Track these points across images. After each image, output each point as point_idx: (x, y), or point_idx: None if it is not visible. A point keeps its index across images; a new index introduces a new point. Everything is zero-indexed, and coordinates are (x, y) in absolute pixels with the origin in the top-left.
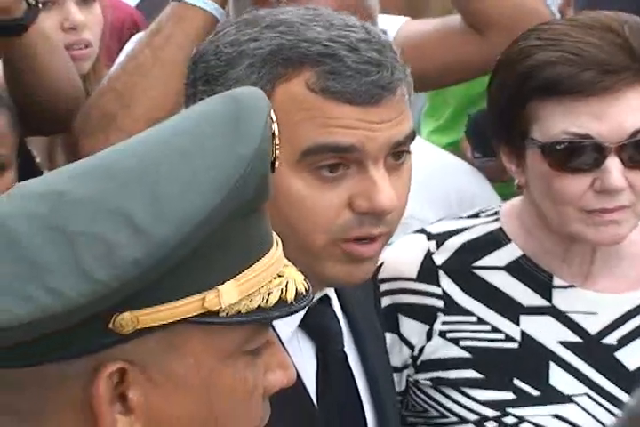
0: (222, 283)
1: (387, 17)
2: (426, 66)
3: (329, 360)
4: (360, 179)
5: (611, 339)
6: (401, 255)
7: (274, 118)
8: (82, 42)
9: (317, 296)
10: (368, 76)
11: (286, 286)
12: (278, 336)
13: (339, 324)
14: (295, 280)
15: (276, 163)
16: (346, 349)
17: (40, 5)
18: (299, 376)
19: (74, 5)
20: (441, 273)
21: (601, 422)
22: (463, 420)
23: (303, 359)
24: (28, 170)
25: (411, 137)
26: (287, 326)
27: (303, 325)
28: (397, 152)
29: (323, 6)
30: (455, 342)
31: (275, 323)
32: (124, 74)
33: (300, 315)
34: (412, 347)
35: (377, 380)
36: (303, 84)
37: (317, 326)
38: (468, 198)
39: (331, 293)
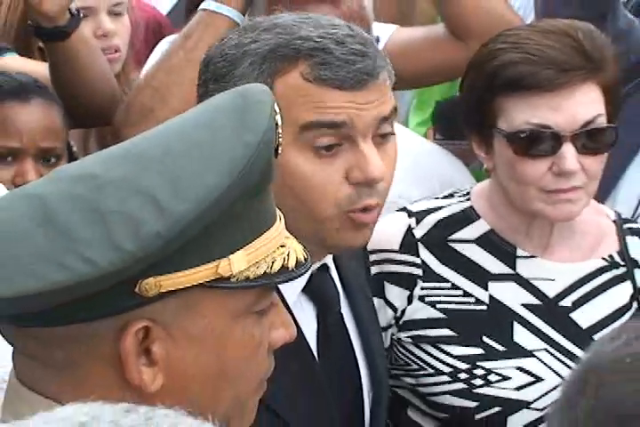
0: (233, 252)
1: (379, 25)
2: (414, 67)
3: (328, 320)
4: (352, 153)
5: (566, 302)
6: (386, 230)
7: (277, 110)
8: (112, 47)
9: (317, 265)
10: (354, 65)
11: (288, 255)
12: (284, 300)
13: (336, 289)
14: (296, 250)
15: (279, 149)
16: (342, 310)
17: (81, 15)
18: (301, 334)
19: (105, 16)
20: (420, 245)
21: (557, 373)
22: (439, 372)
23: (306, 320)
24: (69, 160)
25: (394, 112)
26: (292, 292)
27: (306, 290)
28: (383, 134)
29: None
30: (432, 304)
31: (281, 288)
32: (160, 72)
33: (303, 281)
34: (395, 309)
35: (368, 336)
36: (299, 76)
37: (318, 291)
38: (448, 180)
39: (329, 262)
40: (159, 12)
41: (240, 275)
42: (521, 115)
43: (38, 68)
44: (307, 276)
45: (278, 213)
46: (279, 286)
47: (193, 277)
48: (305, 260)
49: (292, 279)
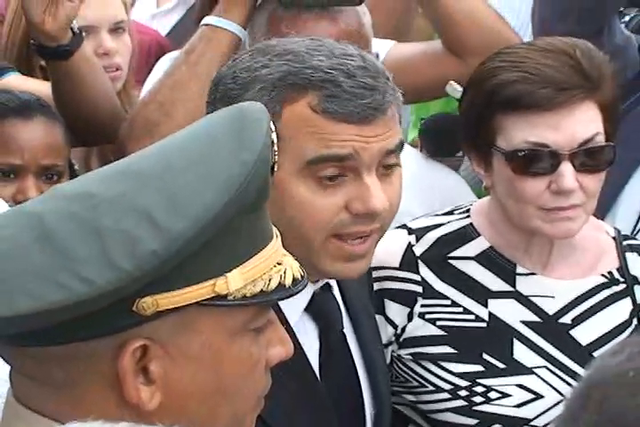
0: (230, 270)
1: (376, 40)
2: (412, 82)
3: (330, 340)
4: (356, 185)
5: (566, 319)
6: (386, 247)
7: (272, 129)
8: (113, 65)
9: (320, 284)
10: (362, 99)
11: (285, 272)
12: (287, 320)
13: (339, 308)
14: (292, 267)
15: (275, 167)
16: (344, 330)
17: (83, 34)
18: (303, 354)
19: (107, 34)
20: (420, 263)
21: (557, 391)
22: (439, 389)
23: (308, 340)
24: (69, 176)
25: (400, 146)
26: (294, 311)
27: (308, 309)
28: (388, 165)
29: (326, 35)
30: (432, 322)
31: (283, 308)
32: (164, 87)
33: (306, 301)
34: (395, 326)
35: (371, 355)
36: (307, 106)
37: (320, 311)
38: (449, 196)
39: (331, 281)
40: (160, 35)
41: (237, 293)
42: (519, 133)
43: (41, 88)
44: (309, 295)
45: (275, 230)
46: (281, 305)
47: (190, 295)
48: (301, 277)
49: (288, 297)
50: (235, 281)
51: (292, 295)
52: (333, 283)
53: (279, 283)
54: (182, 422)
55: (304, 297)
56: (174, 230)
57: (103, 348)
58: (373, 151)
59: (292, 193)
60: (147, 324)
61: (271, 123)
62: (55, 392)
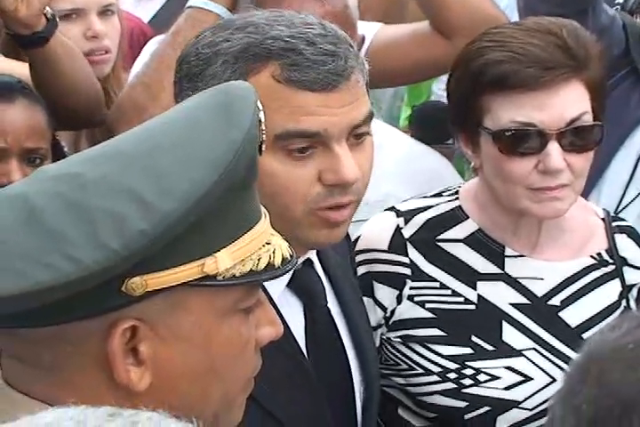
0: (219, 250)
1: (364, 23)
2: (400, 64)
3: (315, 315)
4: (326, 156)
5: (555, 300)
6: (374, 230)
7: (260, 107)
8: (102, 48)
9: (301, 260)
10: (324, 66)
11: (273, 252)
12: (270, 296)
13: (322, 283)
14: (281, 247)
15: (263, 146)
16: (329, 304)
17: (57, 19)
18: (289, 330)
19: (95, 17)
20: (408, 245)
21: (547, 373)
22: (428, 371)
23: (293, 316)
24: (58, 159)
25: (368, 118)
26: (276, 287)
27: (291, 285)
28: (358, 134)
29: (311, 14)
30: (421, 304)
31: (266, 284)
32: (151, 70)
33: (287, 277)
34: (384, 309)
35: (358, 330)
36: (270, 76)
37: (303, 286)
38: (436, 178)
39: (313, 256)
40: (143, 22)
41: (226, 273)
42: (506, 113)
43: (23, 70)
44: (291, 271)
45: (263, 210)
46: (263, 283)
47: (179, 275)
48: (290, 256)
49: (277, 276)
50: (224, 261)
51: (281, 275)
52: (315, 259)
53: (268, 262)
54: (173, 403)
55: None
56: (162, 210)
57: (92, 329)
58: (342, 126)
59: (264, 167)
60: (136, 304)
61: (258, 101)
62: (44, 374)
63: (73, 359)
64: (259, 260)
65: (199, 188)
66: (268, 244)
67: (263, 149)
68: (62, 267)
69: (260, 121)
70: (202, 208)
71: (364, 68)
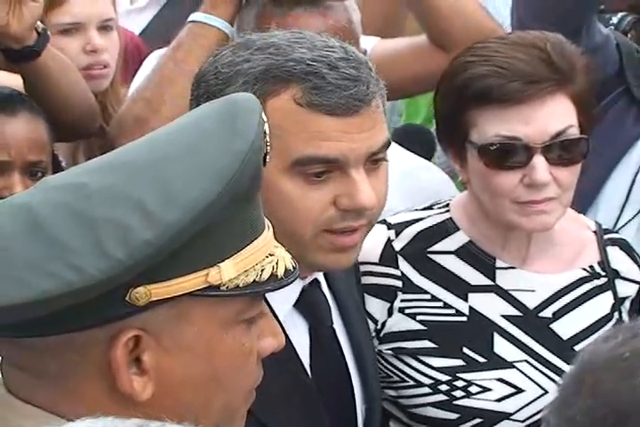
0: (223, 261)
1: (363, 37)
2: (399, 77)
3: (320, 336)
4: (343, 181)
5: (547, 312)
6: (366, 243)
7: (265, 119)
8: (101, 62)
9: (309, 280)
10: (346, 91)
11: (277, 263)
12: (276, 315)
13: (327, 304)
14: (284, 258)
15: (267, 157)
16: (334, 325)
17: (52, 33)
18: (293, 349)
19: (95, 31)
20: (399, 258)
21: (538, 385)
22: (420, 384)
23: (298, 335)
24: (55, 172)
25: (386, 146)
26: (283, 307)
27: (297, 305)
28: (375, 160)
29: (316, 31)
30: (412, 316)
31: (272, 304)
32: (152, 84)
33: (295, 297)
34: (375, 321)
35: (361, 349)
36: (290, 99)
37: (309, 307)
38: (434, 193)
39: (320, 276)
40: (135, 35)
41: (230, 283)
42: (491, 127)
43: (19, 82)
44: (298, 291)
45: (267, 222)
46: (270, 300)
47: (183, 285)
48: (293, 268)
49: (281, 287)
50: (228, 271)
51: (284, 286)
52: (322, 279)
53: (271, 273)
54: (175, 413)
55: (293, 293)
56: (167, 220)
57: (96, 338)
58: (360, 152)
59: (279, 190)
60: (140, 314)
61: (263, 113)
62: (47, 383)
63: (76, 369)
64: (262, 271)
65: (204, 198)
66: (272, 255)
67: (267, 159)
68: (66, 276)
69: (264, 132)
70: (206, 218)
71: (384, 94)
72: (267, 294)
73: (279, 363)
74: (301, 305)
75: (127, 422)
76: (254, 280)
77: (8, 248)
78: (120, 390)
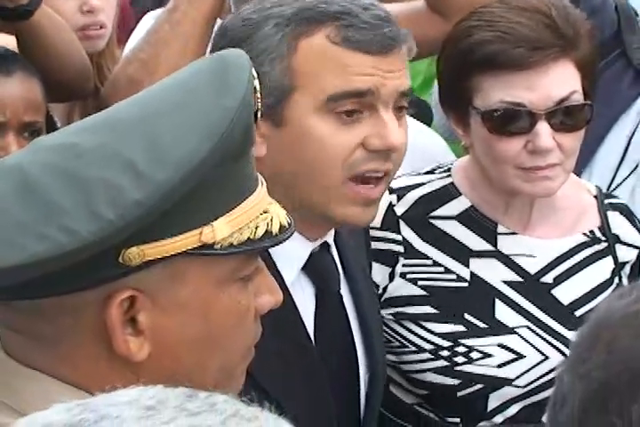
0: (216, 219)
1: None
2: None
3: (326, 301)
4: (372, 122)
5: (548, 278)
6: None
7: (255, 75)
8: (98, 23)
9: (318, 243)
10: (381, 29)
11: (271, 220)
12: (283, 278)
13: (336, 268)
14: (279, 215)
15: (259, 114)
16: (341, 291)
17: None
18: (298, 313)
19: None
20: (401, 222)
21: (539, 350)
22: (421, 349)
23: (304, 299)
24: (50, 133)
25: (410, 91)
26: (291, 270)
27: (305, 268)
28: (399, 106)
29: None
30: (414, 281)
31: (280, 267)
32: (148, 46)
33: (303, 260)
34: (377, 286)
35: (366, 317)
36: (325, 38)
37: (318, 270)
38: (430, 156)
39: (330, 240)
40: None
41: (224, 241)
42: (495, 93)
43: (11, 42)
44: (307, 254)
45: (260, 178)
46: (277, 263)
47: (176, 244)
48: (288, 224)
49: (275, 244)
50: (221, 230)
51: (279, 243)
52: (332, 242)
53: (266, 230)
54: (172, 373)
55: (302, 255)
56: (157, 179)
57: (90, 300)
58: (391, 89)
59: (310, 130)
60: (133, 274)
61: (253, 69)
62: (44, 346)
63: (72, 331)
64: (256, 228)
65: (193, 157)
66: (266, 212)
67: (259, 116)
68: (58, 238)
69: (255, 88)
70: (197, 177)
71: (412, 45)
72: (274, 257)
73: (283, 327)
74: (309, 268)
75: (176, 390)
76: (248, 238)
77: (1, 211)
78: (116, 352)
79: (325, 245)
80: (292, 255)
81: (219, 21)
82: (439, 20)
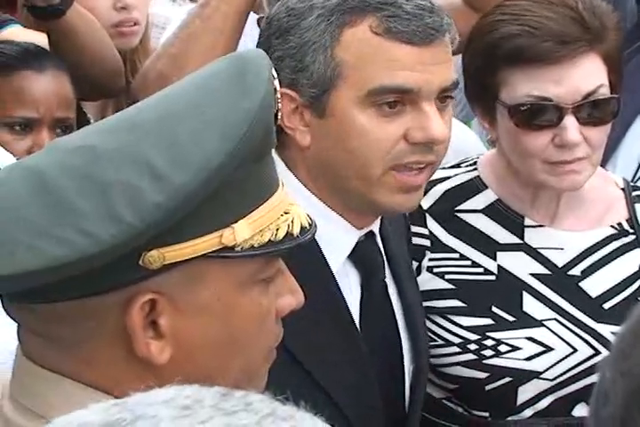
0: (236, 221)
1: None
2: None
3: (372, 289)
4: (415, 114)
5: (575, 271)
6: None
7: (275, 75)
8: (131, 20)
9: (365, 231)
10: (423, 19)
11: (292, 221)
12: (329, 266)
13: (382, 257)
14: (300, 216)
15: (279, 115)
16: (386, 280)
17: None
18: (344, 300)
19: None
20: (427, 216)
21: (567, 343)
22: (449, 343)
23: (350, 287)
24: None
25: (455, 85)
26: (338, 258)
27: (352, 256)
28: (443, 97)
29: None
30: (441, 275)
31: (326, 255)
32: (178, 41)
33: (350, 248)
34: None
35: (411, 306)
36: (367, 29)
37: (364, 258)
38: (463, 149)
39: (376, 229)
40: None
41: (244, 244)
42: (522, 87)
43: (44, 39)
44: (353, 242)
45: (280, 179)
46: (324, 251)
47: (197, 247)
48: (310, 225)
49: (297, 246)
50: (242, 232)
51: (300, 244)
52: (377, 231)
53: (287, 232)
54: (194, 376)
55: (348, 243)
56: (177, 182)
57: (111, 303)
58: (434, 85)
59: (352, 122)
60: (154, 277)
61: (273, 70)
62: (65, 350)
63: (92, 335)
64: (277, 230)
65: (213, 159)
66: (287, 213)
67: (279, 117)
68: (78, 242)
69: (275, 89)
70: (217, 179)
71: (455, 34)
72: (321, 244)
73: (329, 313)
74: (356, 256)
75: (212, 389)
76: (269, 240)
77: (20, 215)
78: (137, 355)
79: (371, 235)
80: (338, 243)
81: (252, 16)
82: (476, 16)
